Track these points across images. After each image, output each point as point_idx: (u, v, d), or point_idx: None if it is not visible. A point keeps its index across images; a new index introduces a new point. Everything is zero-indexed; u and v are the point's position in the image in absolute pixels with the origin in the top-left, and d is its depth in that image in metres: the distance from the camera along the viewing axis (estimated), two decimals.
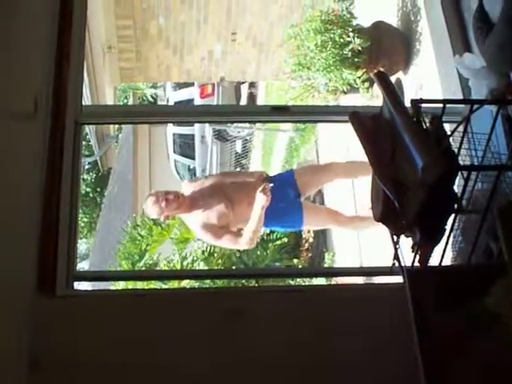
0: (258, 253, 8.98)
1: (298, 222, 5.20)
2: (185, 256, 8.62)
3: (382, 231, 3.01)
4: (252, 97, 16.20)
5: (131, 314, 3.02)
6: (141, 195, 14.29)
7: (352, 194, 8.46)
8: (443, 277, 2.55)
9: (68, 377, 2.86)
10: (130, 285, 6.78)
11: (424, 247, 2.73)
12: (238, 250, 8.91)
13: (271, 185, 4.68)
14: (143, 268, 8.70)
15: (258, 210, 4.63)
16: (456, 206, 2.67)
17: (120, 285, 6.82)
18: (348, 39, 6.59)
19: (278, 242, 9.23)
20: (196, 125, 14.43)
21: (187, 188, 5.01)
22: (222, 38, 9.39)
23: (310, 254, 10.50)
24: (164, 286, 7.06)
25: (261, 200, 4.60)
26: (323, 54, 6.57)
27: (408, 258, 2.79)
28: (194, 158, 14.66)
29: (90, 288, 5.42)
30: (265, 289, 4.61)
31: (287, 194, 5.08)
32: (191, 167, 14.92)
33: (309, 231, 10.66)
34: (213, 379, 2.91)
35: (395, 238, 2.86)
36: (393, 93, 2.82)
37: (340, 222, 5.51)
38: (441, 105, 2.99)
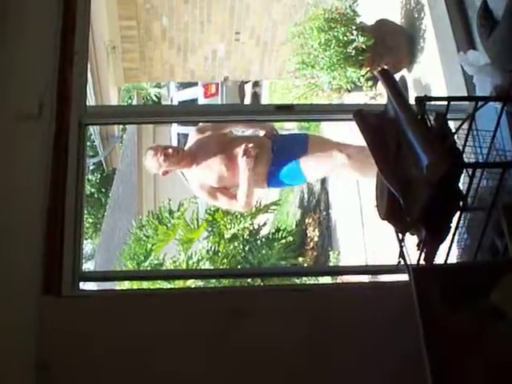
0: (264, 252, 8.98)
1: (302, 180, 5.11)
2: (190, 255, 8.62)
3: (387, 229, 3.00)
4: (256, 96, 16.21)
5: (137, 314, 3.02)
6: (145, 195, 14.31)
7: (357, 191, 8.47)
8: (449, 274, 2.54)
9: (75, 377, 2.86)
10: (136, 285, 6.79)
11: (429, 245, 2.72)
12: (244, 249, 8.92)
13: (251, 145, 4.69)
14: (148, 268, 8.70)
15: (244, 174, 4.63)
16: (461, 203, 2.66)
17: (125, 285, 6.83)
18: (352, 37, 6.60)
19: (284, 241, 9.22)
20: None
21: (193, 136, 4.97)
22: (225, 37, 9.40)
23: (315, 253, 10.51)
24: (169, 286, 7.06)
25: (243, 165, 4.62)
26: (327, 53, 6.58)
27: (413, 255, 2.79)
28: None
29: (95, 288, 5.43)
30: (270, 288, 4.60)
31: (293, 151, 4.91)
32: None
33: (314, 230, 10.66)
34: (218, 379, 2.91)
35: (400, 235, 2.86)
36: (397, 90, 2.82)
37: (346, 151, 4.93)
38: (445, 102, 2.99)
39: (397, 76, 6.74)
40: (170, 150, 4.72)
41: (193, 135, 5.00)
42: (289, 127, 12.47)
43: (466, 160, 2.84)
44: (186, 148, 4.90)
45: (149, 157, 4.75)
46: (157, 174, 4.95)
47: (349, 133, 7.07)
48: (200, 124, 5.21)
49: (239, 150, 4.72)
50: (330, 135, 10.37)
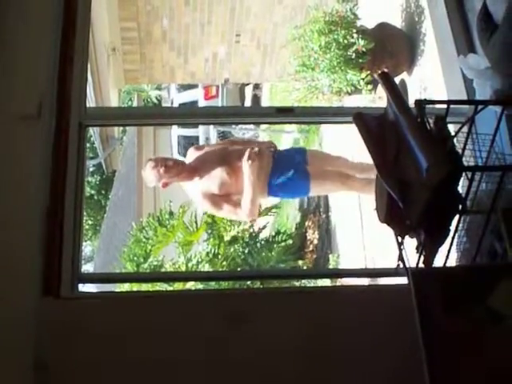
0: (263, 254, 8.98)
1: (305, 189, 4.98)
2: (190, 258, 8.62)
3: (387, 232, 3.01)
4: (256, 98, 16.23)
5: (136, 316, 3.02)
6: (145, 197, 14.31)
7: (356, 194, 8.46)
8: (448, 277, 2.54)
9: (73, 377, 2.86)
10: (135, 287, 6.78)
11: (429, 248, 2.72)
12: (243, 252, 8.92)
13: (256, 149, 4.59)
14: (148, 270, 8.69)
15: (248, 178, 4.54)
16: (460, 206, 2.67)
17: (125, 287, 6.82)
18: (352, 40, 6.60)
19: (283, 244, 9.23)
20: (200, 127, 14.47)
21: (192, 155, 4.88)
22: (226, 39, 9.40)
23: (314, 256, 10.52)
24: (169, 288, 7.06)
25: (247, 168, 4.53)
26: (327, 56, 6.58)
27: (413, 258, 2.79)
28: None
29: (94, 290, 5.42)
30: (269, 290, 4.60)
31: (294, 160, 4.91)
32: None
33: (313, 232, 10.66)
34: (218, 381, 2.91)
35: (400, 238, 2.86)
36: (397, 94, 2.82)
37: (349, 185, 5.08)
38: (445, 105, 2.99)
39: (397, 79, 6.75)
40: (171, 162, 4.65)
41: (191, 153, 4.94)
42: (289, 129, 12.50)
43: (465, 163, 2.84)
44: (187, 163, 4.83)
45: (148, 168, 4.64)
46: (156, 186, 4.87)
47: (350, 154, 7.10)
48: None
49: (242, 156, 4.62)
50: (329, 137, 10.40)
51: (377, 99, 6.98)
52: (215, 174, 4.66)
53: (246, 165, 4.53)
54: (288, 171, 4.82)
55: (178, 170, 4.65)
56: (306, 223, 11.16)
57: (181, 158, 14.46)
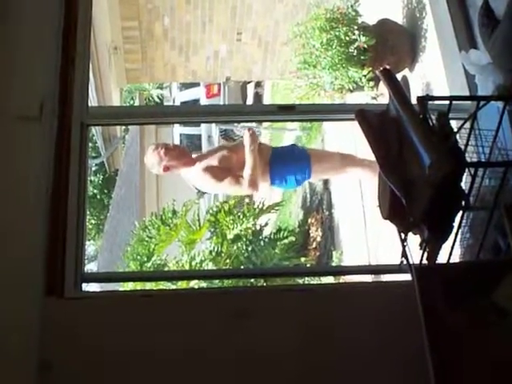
0: (267, 252, 8.98)
1: (306, 171, 5.08)
2: (193, 256, 8.62)
3: (390, 229, 3.00)
4: (258, 96, 16.23)
5: (140, 315, 3.02)
6: (148, 196, 14.32)
7: (359, 191, 8.47)
8: (451, 274, 2.54)
9: (77, 377, 2.86)
10: (139, 286, 6.78)
11: (432, 244, 2.72)
12: (246, 250, 8.91)
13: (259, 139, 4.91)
14: (151, 269, 8.69)
15: (249, 148, 4.72)
16: (463, 202, 2.66)
17: (128, 286, 6.82)
18: (353, 37, 6.60)
19: (286, 241, 9.22)
20: (202, 125, 14.47)
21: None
22: (227, 37, 9.40)
23: (318, 253, 10.52)
24: (172, 287, 7.06)
25: (247, 137, 4.73)
26: (329, 53, 6.58)
27: (416, 255, 2.78)
28: None
29: (98, 289, 5.43)
30: (273, 288, 4.60)
31: (293, 147, 5.20)
32: None
33: (316, 230, 10.66)
34: (220, 379, 2.91)
35: (403, 235, 2.85)
36: (399, 90, 2.82)
37: (349, 160, 5.28)
38: (447, 101, 2.99)
39: (398, 76, 6.74)
40: (171, 145, 4.86)
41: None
42: (291, 127, 12.49)
43: (468, 159, 2.83)
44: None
45: (150, 151, 4.81)
46: (158, 172, 4.96)
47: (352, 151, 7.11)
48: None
49: (242, 146, 4.81)
50: (331, 134, 10.40)
51: (379, 96, 6.97)
52: (216, 153, 4.87)
53: (246, 134, 4.73)
54: (287, 152, 5.04)
55: (179, 153, 4.81)
56: (309, 220, 11.16)
57: None
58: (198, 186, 5.21)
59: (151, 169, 4.94)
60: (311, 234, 10.84)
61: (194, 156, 4.95)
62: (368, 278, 4.96)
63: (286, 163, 4.92)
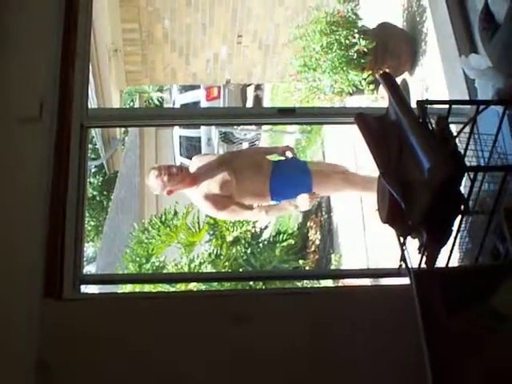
0: (265, 255, 8.98)
1: (306, 186, 5.01)
2: (192, 259, 8.62)
3: (389, 233, 3.00)
4: (258, 99, 16.22)
5: (138, 317, 3.02)
6: (147, 198, 14.32)
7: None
8: (450, 278, 2.54)
9: (75, 379, 2.86)
10: (137, 288, 6.78)
11: (431, 248, 2.72)
12: (245, 253, 8.92)
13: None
14: (150, 271, 8.69)
15: (293, 209, 4.96)
16: (463, 206, 2.66)
17: (127, 288, 6.82)
18: (353, 40, 6.60)
19: (285, 244, 9.22)
20: (202, 127, 14.45)
21: (195, 163, 4.94)
22: (227, 40, 9.40)
23: (316, 256, 10.51)
24: (171, 289, 7.05)
25: (306, 203, 4.85)
26: (329, 56, 6.58)
27: (415, 259, 2.78)
28: None
29: (96, 291, 5.42)
30: (272, 291, 4.60)
31: (293, 162, 5.12)
32: None
33: (315, 233, 10.65)
34: (219, 382, 2.90)
35: (402, 239, 2.86)
36: (398, 94, 2.82)
37: (350, 181, 5.21)
38: (447, 106, 2.99)
39: (398, 79, 6.75)
40: (174, 169, 4.69)
41: (194, 161, 5.02)
42: (291, 130, 12.49)
43: (467, 163, 2.83)
44: (190, 170, 4.89)
45: (152, 177, 4.69)
46: (160, 194, 4.93)
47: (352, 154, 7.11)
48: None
49: (246, 164, 4.82)
50: (331, 138, 10.40)
51: (379, 99, 6.97)
52: (217, 176, 4.71)
53: (306, 199, 4.86)
54: (288, 168, 4.95)
55: (182, 177, 4.70)
56: (308, 224, 11.16)
57: (183, 159, 14.51)
58: (200, 209, 5.23)
59: (153, 191, 4.91)
60: (310, 237, 10.84)
61: (194, 172, 4.84)
62: (367, 282, 4.97)
63: (286, 180, 4.86)
